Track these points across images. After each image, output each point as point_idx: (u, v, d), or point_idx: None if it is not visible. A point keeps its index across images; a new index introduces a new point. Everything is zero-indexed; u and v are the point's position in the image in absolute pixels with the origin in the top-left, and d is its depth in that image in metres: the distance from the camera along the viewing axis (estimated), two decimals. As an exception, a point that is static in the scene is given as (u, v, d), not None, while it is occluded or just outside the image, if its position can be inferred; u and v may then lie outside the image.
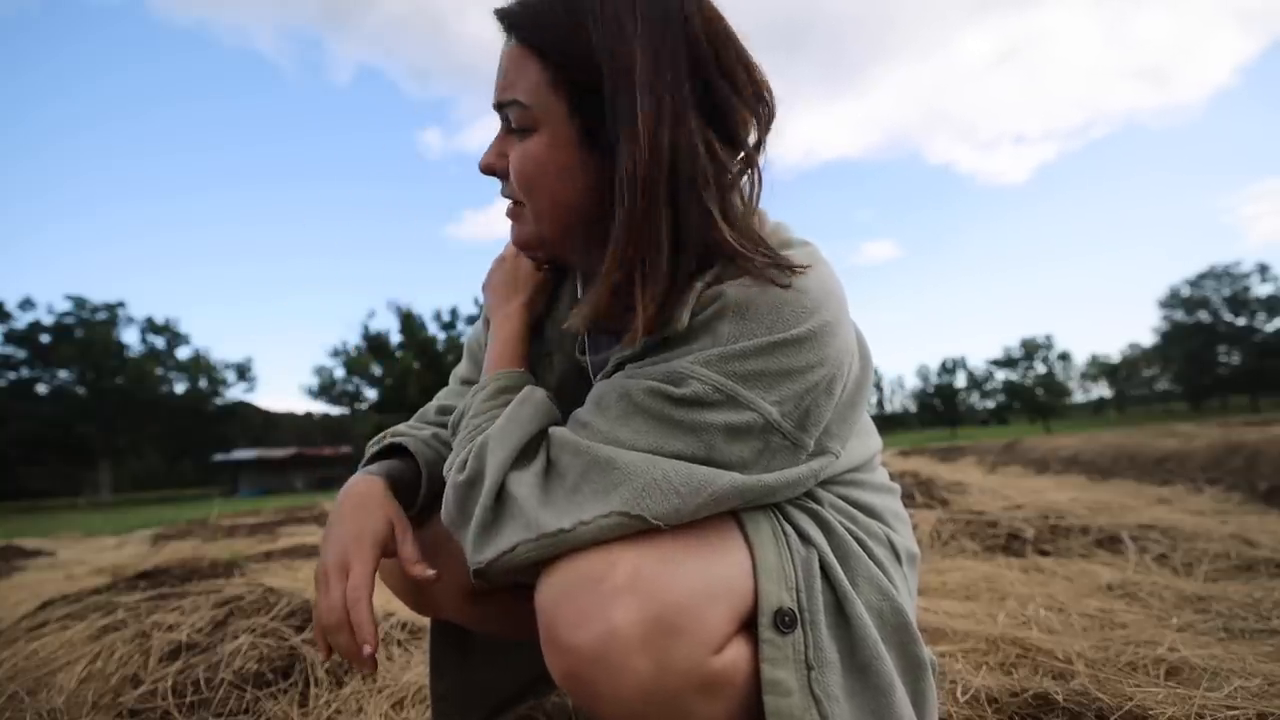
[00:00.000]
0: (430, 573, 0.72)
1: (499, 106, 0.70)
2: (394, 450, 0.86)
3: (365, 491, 0.76)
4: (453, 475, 0.67)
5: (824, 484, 0.73)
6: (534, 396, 0.71)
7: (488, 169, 0.73)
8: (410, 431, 0.88)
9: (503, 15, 0.68)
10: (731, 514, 0.64)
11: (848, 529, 0.70)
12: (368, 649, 0.66)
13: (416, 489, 0.83)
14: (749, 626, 0.61)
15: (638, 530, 0.58)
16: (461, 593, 0.83)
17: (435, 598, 0.85)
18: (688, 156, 0.62)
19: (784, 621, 0.60)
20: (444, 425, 0.89)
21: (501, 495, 0.63)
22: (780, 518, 0.66)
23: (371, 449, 0.87)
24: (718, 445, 0.60)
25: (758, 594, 0.61)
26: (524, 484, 0.62)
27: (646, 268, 0.62)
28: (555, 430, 0.66)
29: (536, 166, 0.68)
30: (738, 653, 0.59)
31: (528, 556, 0.59)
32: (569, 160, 0.67)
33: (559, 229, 0.72)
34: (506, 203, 0.77)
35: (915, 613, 0.71)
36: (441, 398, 0.98)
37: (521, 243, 0.76)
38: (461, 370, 0.99)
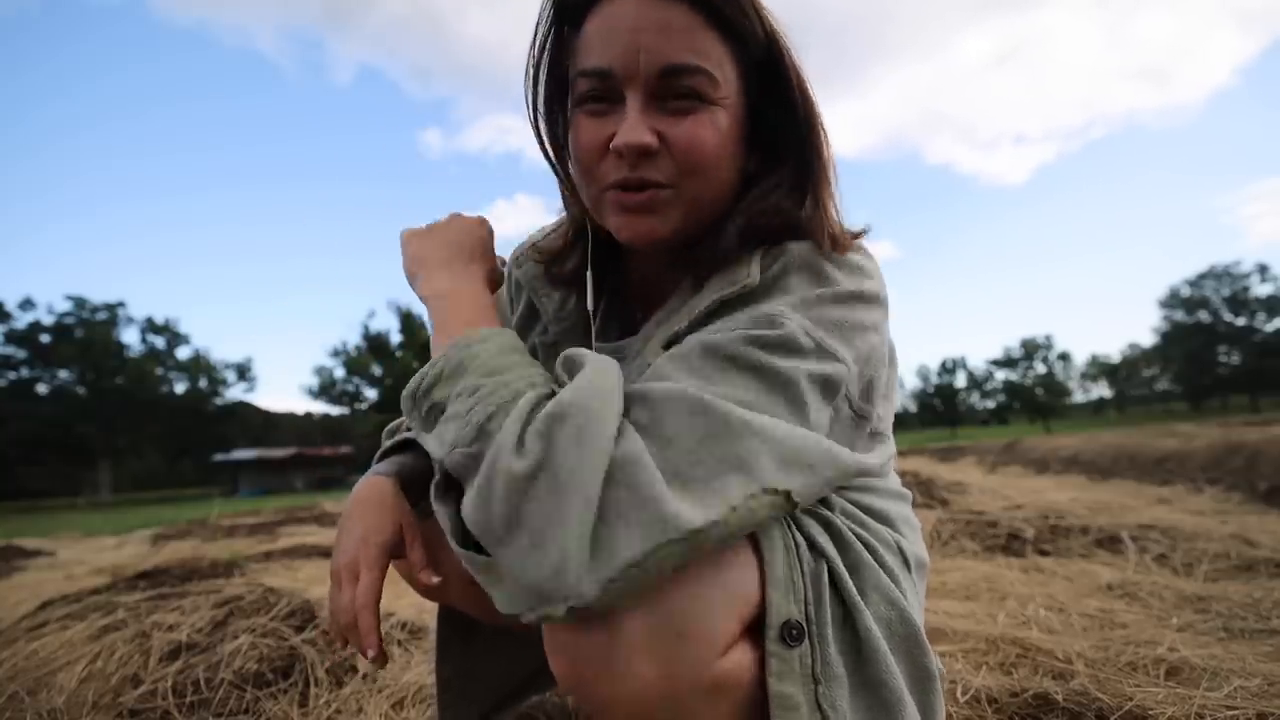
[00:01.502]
0: (435, 580, 0.70)
1: (669, 72, 0.59)
2: (409, 443, 0.85)
3: (373, 496, 0.74)
4: (503, 461, 0.47)
5: (837, 488, 0.71)
6: (606, 359, 0.56)
7: (645, 149, 0.60)
8: None
9: None
10: None
11: (858, 535, 0.68)
12: (371, 652, 0.66)
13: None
14: (754, 629, 0.60)
15: (784, 513, 0.51)
16: (469, 580, 0.83)
17: (443, 584, 0.85)
18: (831, 149, 0.67)
19: (791, 634, 0.58)
20: None
21: (610, 484, 0.46)
22: (791, 526, 0.64)
23: (386, 442, 0.86)
24: (813, 405, 0.55)
25: (765, 605, 0.59)
26: (640, 465, 0.46)
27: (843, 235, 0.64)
28: (655, 386, 0.52)
29: (719, 142, 0.62)
30: (743, 655, 0.58)
31: (667, 562, 0.46)
32: (739, 140, 0.65)
33: (706, 216, 0.66)
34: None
35: (923, 620, 0.69)
36: None
37: (661, 234, 0.65)
38: None
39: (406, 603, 2.03)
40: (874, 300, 0.62)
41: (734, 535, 0.48)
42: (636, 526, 0.45)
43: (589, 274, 0.75)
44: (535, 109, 0.70)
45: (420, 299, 0.69)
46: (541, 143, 0.72)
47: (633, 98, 0.60)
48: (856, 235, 0.67)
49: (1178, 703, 1.05)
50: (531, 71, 0.68)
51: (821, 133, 0.64)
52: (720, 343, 0.54)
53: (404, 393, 0.58)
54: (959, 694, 1.15)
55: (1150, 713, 1.03)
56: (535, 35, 0.67)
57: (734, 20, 0.60)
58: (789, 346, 0.54)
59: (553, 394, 0.52)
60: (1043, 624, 1.57)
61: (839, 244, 0.64)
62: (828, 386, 0.56)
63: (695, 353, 0.55)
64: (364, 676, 1.46)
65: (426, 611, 1.87)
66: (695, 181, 0.62)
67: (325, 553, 3.35)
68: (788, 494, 0.50)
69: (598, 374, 0.52)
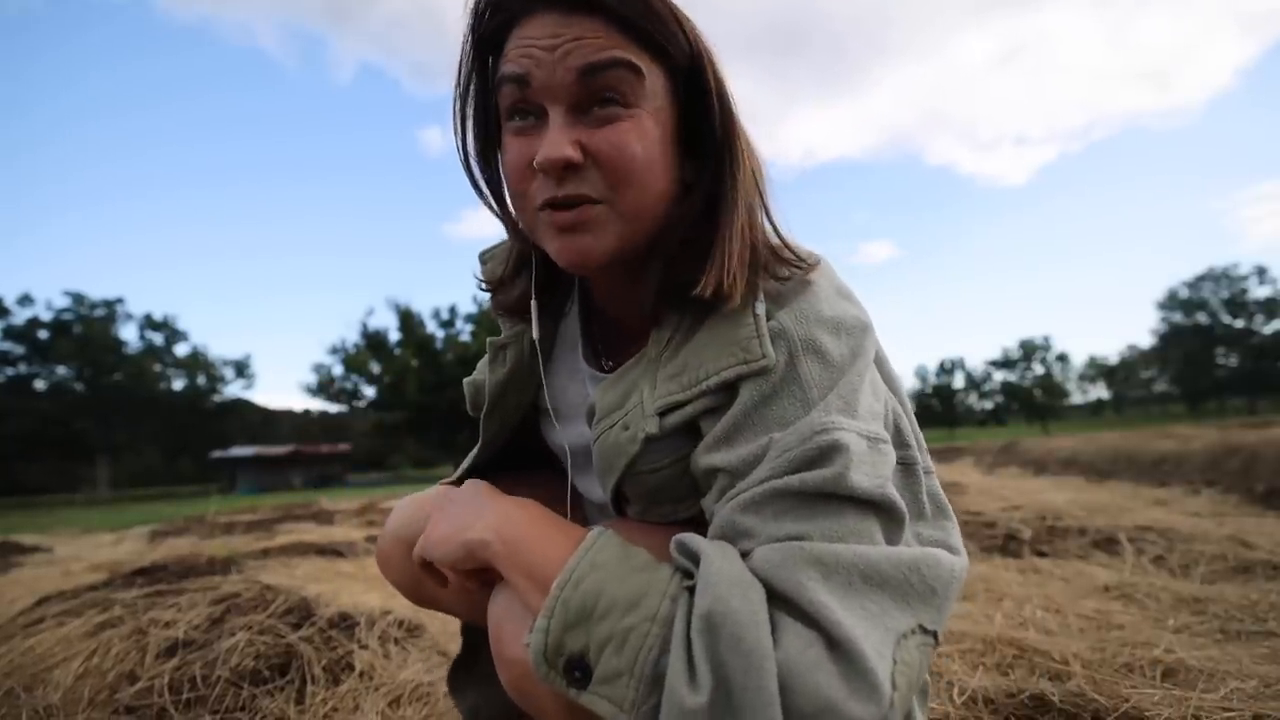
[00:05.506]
0: None
1: (589, 70, 0.57)
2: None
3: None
4: (681, 703, 0.44)
5: None
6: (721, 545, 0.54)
7: (566, 162, 0.57)
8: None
9: None
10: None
11: None
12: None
13: None
14: None
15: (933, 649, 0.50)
16: (466, 581, 0.83)
17: (433, 591, 0.85)
18: (759, 161, 0.65)
19: None
20: None
21: (788, 692, 0.44)
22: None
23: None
24: (900, 499, 0.54)
25: None
26: (808, 669, 0.44)
27: (741, 275, 0.60)
28: (771, 557, 0.50)
29: (647, 150, 0.59)
30: None
31: None
32: (670, 148, 0.62)
33: (646, 229, 0.63)
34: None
35: None
36: None
37: (599, 253, 0.61)
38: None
39: (403, 601, 2.03)
40: (864, 332, 0.61)
41: (909, 696, 0.47)
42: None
43: (534, 303, 0.74)
44: (465, 148, 0.68)
45: (483, 559, 0.60)
46: (474, 181, 0.70)
47: (554, 111, 0.58)
48: (795, 257, 0.64)
49: (1174, 704, 1.05)
50: (458, 108, 0.66)
51: (741, 147, 0.63)
52: (794, 484, 0.52)
53: (532, 659, 0.51)
54: (955, 695, 1.16)
55: (1146, 714, 1.03)
56: (459, 72, 0.65)
57: (654, 32, 0.58)
58: (856, 458, 0.52)
59: (690, 589, 0.50)
60: (1039, 625, 1.58)
61: (779, 256, 0.64)
62: (890, 467, 0.56)
63: (771, 498, 0.52)
64: (360, 674, 1.46)
65: (424, 610, 1.87)
66: (628, 193, 0.60)
67: (323, 550, 3.35)
68: (935, 633, 0.49)
69: (722, 561, 0.50)
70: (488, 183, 0.70)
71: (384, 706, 1.32)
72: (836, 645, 0.44)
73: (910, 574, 0.49)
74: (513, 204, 0.66)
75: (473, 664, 0.97)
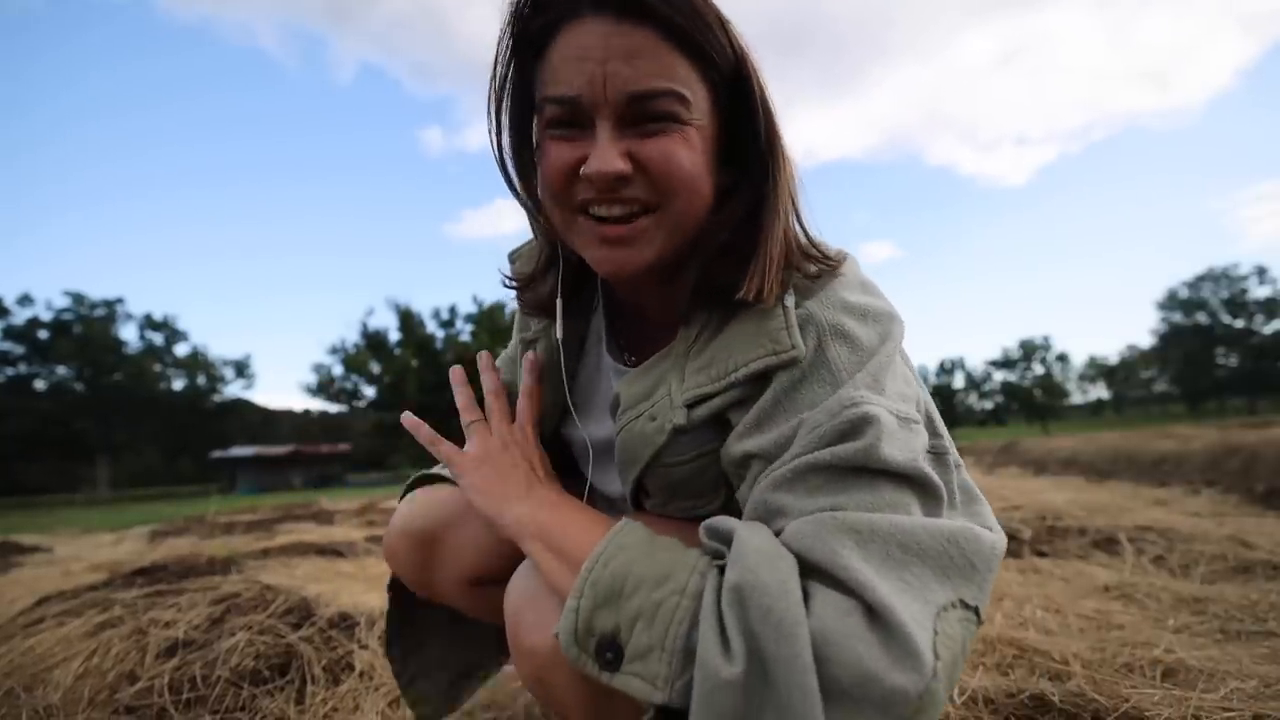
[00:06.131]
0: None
1: (639, 97, 0.57)
2: None
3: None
4: (716, 674, 0.43)
5: None
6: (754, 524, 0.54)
7: (618, 175, 0.58)
8: None
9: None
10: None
11: None
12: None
13: None
14: None
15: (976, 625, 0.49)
16: (461, 578, 0.85)
17: (435, 581, 0.86)
18: (793, 163, 0.65)
19: None
20: None
21: (824, 663, 0.43)
22: None
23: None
24: (936, 477, 0.54)
25: None
26: (844, 638, 0.43)
27: (779, 278, 0.62)
28: (806, 530, 0.50)
29: (694, 161, 0.60)
30: None
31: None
32: (713, 158, 0.63)
33: (686, 240, 0.64)
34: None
35: None
36: None
37: (643, 263, 0.62)
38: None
39: (404, 601, 2.03)
40: (890, 320, 0.62)
41: (953, 671, 0.45)
42: (866, 708, 0.42)
43: (559, 303, 0.75)
44: (500, 145, 0.68)
45: (514, 536, 0.64)
46: (507, 175, 0.70)
47: (603, 124, 0.59)
48: (823, 256, 0.66)
49: (1174, 704, 1.05)
50: (494, 104, 0.66)
51: (782, 152, 0.64)
52: (826, 458, 0.52)
53: (563, 642, 0.50)
54: (955, 694, 1.15)
55: (1146, 714, 1.03)
56: (495, 68, 0.65)
57: (701, 41, 0.59)
58: (887, 431, 0.52)
59: (719, 567, 0.50)
60: (1040, 625, 1.58)
61: (808, 255, 0.65)
62: (922, 446, 0.55)
63: (804, 474, 0.52)
64: (360, 674, 1.46)
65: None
66: (676, 204, 0.61)
67: (323, 550, 3.35)
68: (977, 609, 0.48)
69: (752, 536, 0.49)
70: (520, 180, 0.70)
71: (384, 706, 1.32)
72: (875, 614, 0.43)
73: (949, 546, 0.49)
74: (548, 205, 0.66)
75: (409, 631, 0.99)
